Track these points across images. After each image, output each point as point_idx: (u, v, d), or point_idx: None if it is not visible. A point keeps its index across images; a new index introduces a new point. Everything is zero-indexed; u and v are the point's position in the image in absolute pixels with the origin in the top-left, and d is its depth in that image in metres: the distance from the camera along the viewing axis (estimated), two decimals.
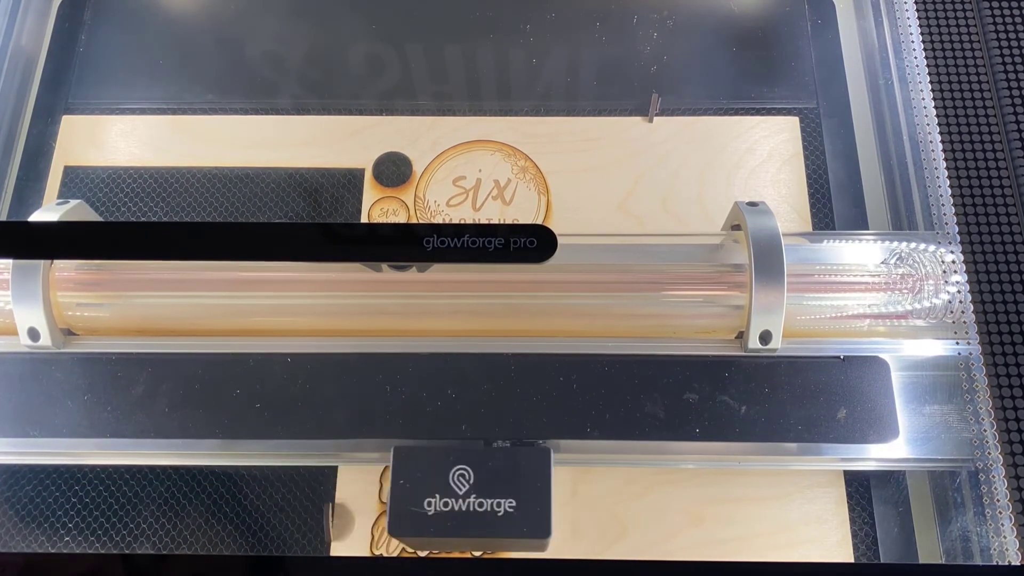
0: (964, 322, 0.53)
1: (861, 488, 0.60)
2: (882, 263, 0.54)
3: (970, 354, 0.53)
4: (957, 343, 0.53)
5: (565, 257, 0.53)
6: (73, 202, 0.54)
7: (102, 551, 0.58)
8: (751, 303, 0.50)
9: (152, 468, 0.61)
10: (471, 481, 0.48)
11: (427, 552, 0.58)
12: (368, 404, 0.52)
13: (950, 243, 0.55)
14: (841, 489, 0.59)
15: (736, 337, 0.54)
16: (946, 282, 0.53)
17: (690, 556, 0.58)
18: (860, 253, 0.55)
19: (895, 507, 0.59)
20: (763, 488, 0.59)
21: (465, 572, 0.49)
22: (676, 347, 0.53)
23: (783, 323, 0.50)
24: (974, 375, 0.52)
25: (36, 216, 0.53)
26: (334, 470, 0.60)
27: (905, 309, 0.53)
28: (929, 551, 0.57)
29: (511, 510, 0.47)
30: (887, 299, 0.53)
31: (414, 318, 0.54)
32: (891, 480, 0.60)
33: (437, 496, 0.47)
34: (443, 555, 0.58)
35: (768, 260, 0.50)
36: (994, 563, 0.50)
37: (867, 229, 0.66)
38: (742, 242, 0.52)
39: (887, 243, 0.55)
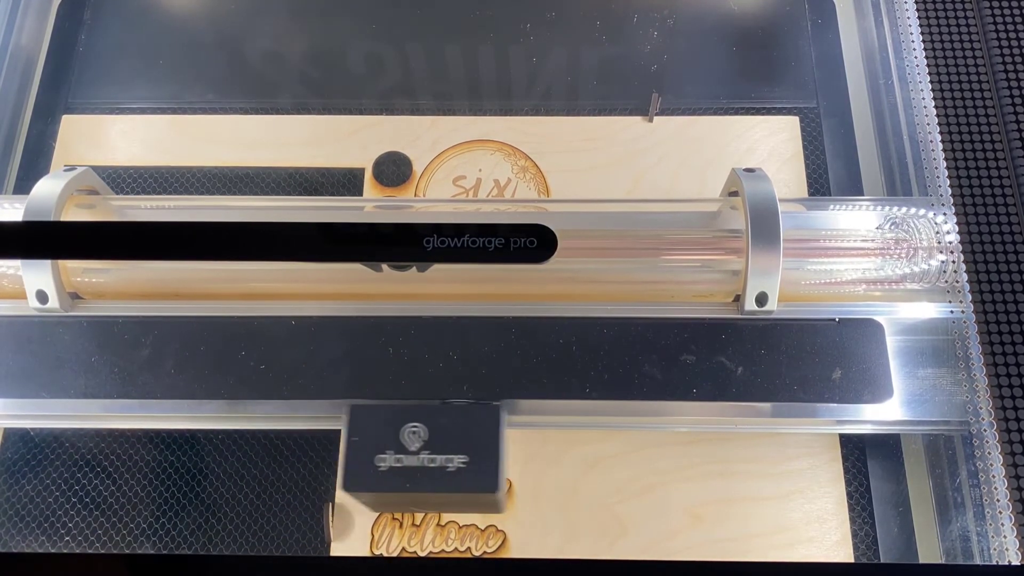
0: (957, 284, 0.54)
1: (861, 488, 0.60)
2: (877, 228, 0.55)
3: (963, 316, 0.54)
4: (951, 303, 0.54)
5: (565, 224, 0.54)
6: (80, 168, 0.55)
7: (102, 551, 0.58)
8: (747, 266, 0.51)
9: (152, 468, 0.61)
10: (424, 438, 0.49)
11: (427, 551, 0.58)
12: (370, 367, 0.53)
13: (944, 208, 0.55)
14: (841, 489, 0.59)
15: (733, 300, 0.54)
16: (939, 247, 0.54)
17: (690, 556, 0.58)
18: (856, 218, 0.55)
19: (895, 507, 0.59)
20: (763, 488, 0.59)
21: (465, 572, 0.49)
22: (674, 310, 0.54)
23: (779, 286, 0.51)
24: (967, 338, 0.53)
25: (43, 182, 0.53)
26: (334, 471, 0.61)
27: (899, 273, 0.54)
28: (929, 551, 0.57)
29: (463, 465, 0.48)
30: (881, 263, 0.54)
31: (415, 282, 0.55)
32: (891, 478, 0.60)
33: (390, 452, 0.49)
34: (443, 555, 0.58)
35: (764, 223, 0.50)
36: (994, 563, 0.50)
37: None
38: (739, 207, 0.53)
39: (882, 209, 0.56)
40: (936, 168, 0.58)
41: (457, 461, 0.48)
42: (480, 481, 0.48)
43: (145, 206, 0.58)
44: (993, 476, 0.50)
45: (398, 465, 0.48)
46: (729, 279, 0.54)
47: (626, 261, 0.54)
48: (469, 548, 0.59)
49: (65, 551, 0.58)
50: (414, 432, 0.49)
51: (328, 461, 0.61)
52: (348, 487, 0.48)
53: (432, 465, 0.48)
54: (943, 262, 0.54)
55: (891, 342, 0.53)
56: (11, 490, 0.60)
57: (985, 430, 0.51)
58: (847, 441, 0.61)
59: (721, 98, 0.72)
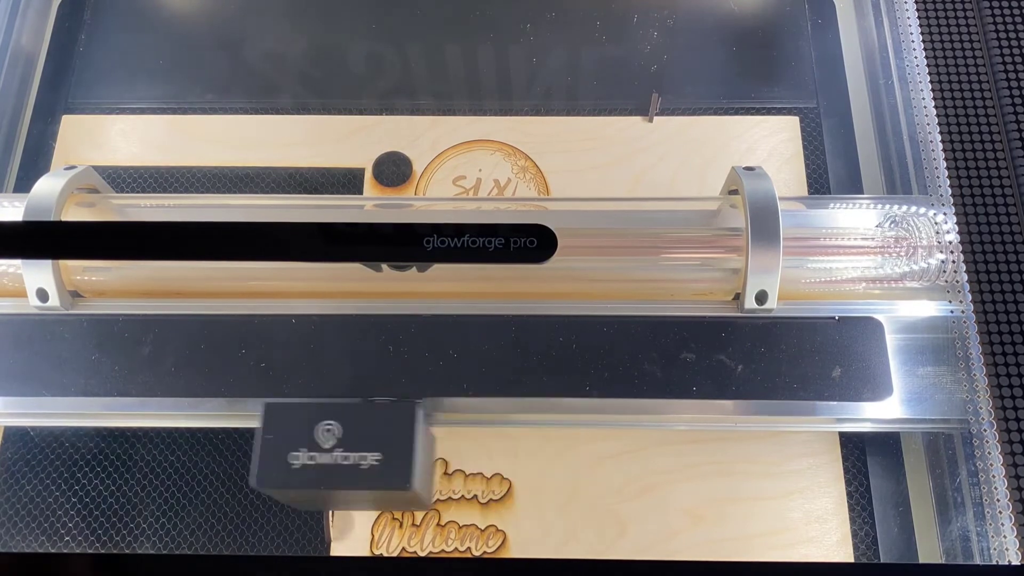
0: (956, 282, 0.54)
1: (861, 488, 0.60)
2: (877, 226, 0.55)
3: (963, 315, 0.54)
4: (950, 302, 0.54)
5: (565, 223, 0.54)
6: (79, 167, 0.55)
7: (102, 551, 0.58)
8: (747, 264, 0.51)
9: (152, 467, 0.61)
10: (338, 435, 0.49)
11: (427, 551, 0.58)
12: (372, 364, 0.53)
13: (944, 207, 0.55)
14: (841, 489, 0.59)
15: (733, 299, 0.54)
16: (939, 245, 0.54)
17: (690, 556, 0.58)
18: (855, 217, 0.55)
19: (895, 507, 0.59)
20: (763, 488, 0.59)
21: (465, 572, 0.49)
22: (674, 308, 0.54)
23: (779, 284, 0.51)
24: (967, 337, 0.53)
25: (43, 180, 0.54)
26: None
27: (899, 272, 0.54)
28: (929, 551, 0.57)
29: (376, 463, 0.48)
30: (881, 262, 0.54)
31: (416, 281, 0.55)
32: (891, 478, 0.60)
33: (303, 450, 0.49)
34: (443, 555, 0.58)
35: (764, 222, 0.50)
36: (994, 563, 0.50)
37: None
38: (739, 205, 0.53)
39: (882, 207, 0.56)
40: (936, 167, 0.58)
41: (371, 459, 0.48)
42: (392, 479, 0.48)
43: (145, 205, 0.58)
44: (993, 476, 0.50)
45: (311, 463, 0.49)
46: (729, 277, 0.54)
47: (626, 260, 0.54)
48: (469, 548, 0.59)
49: (65, 551, 0.58)
50: (328, 430, 0.49)
51: None
52: (260, 484, 0.48)
53: (345, 463, 0.48)
54: (943, 261, 0.54)
55: (891, 340, 0.53)
56: (11, 490, 0.60)
57: (985, 429, 0.51)
58: (847, 441, 0.61)
59: (721, 98, 0.72)
